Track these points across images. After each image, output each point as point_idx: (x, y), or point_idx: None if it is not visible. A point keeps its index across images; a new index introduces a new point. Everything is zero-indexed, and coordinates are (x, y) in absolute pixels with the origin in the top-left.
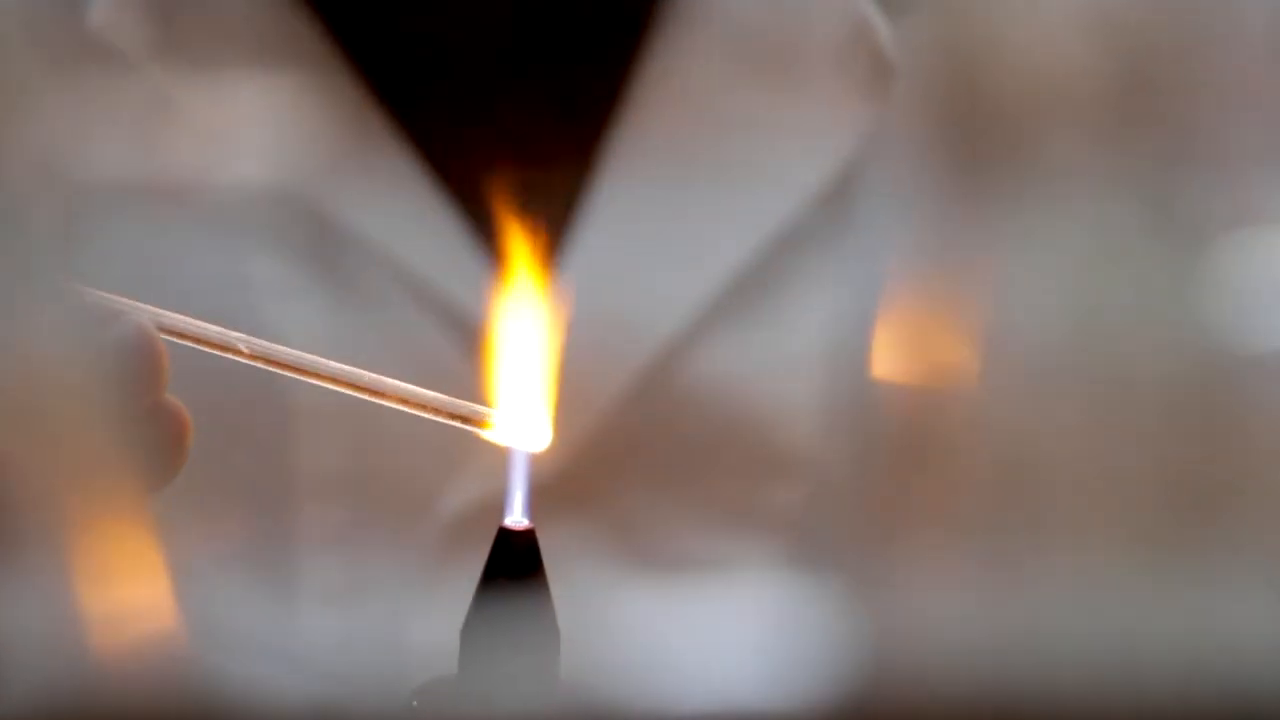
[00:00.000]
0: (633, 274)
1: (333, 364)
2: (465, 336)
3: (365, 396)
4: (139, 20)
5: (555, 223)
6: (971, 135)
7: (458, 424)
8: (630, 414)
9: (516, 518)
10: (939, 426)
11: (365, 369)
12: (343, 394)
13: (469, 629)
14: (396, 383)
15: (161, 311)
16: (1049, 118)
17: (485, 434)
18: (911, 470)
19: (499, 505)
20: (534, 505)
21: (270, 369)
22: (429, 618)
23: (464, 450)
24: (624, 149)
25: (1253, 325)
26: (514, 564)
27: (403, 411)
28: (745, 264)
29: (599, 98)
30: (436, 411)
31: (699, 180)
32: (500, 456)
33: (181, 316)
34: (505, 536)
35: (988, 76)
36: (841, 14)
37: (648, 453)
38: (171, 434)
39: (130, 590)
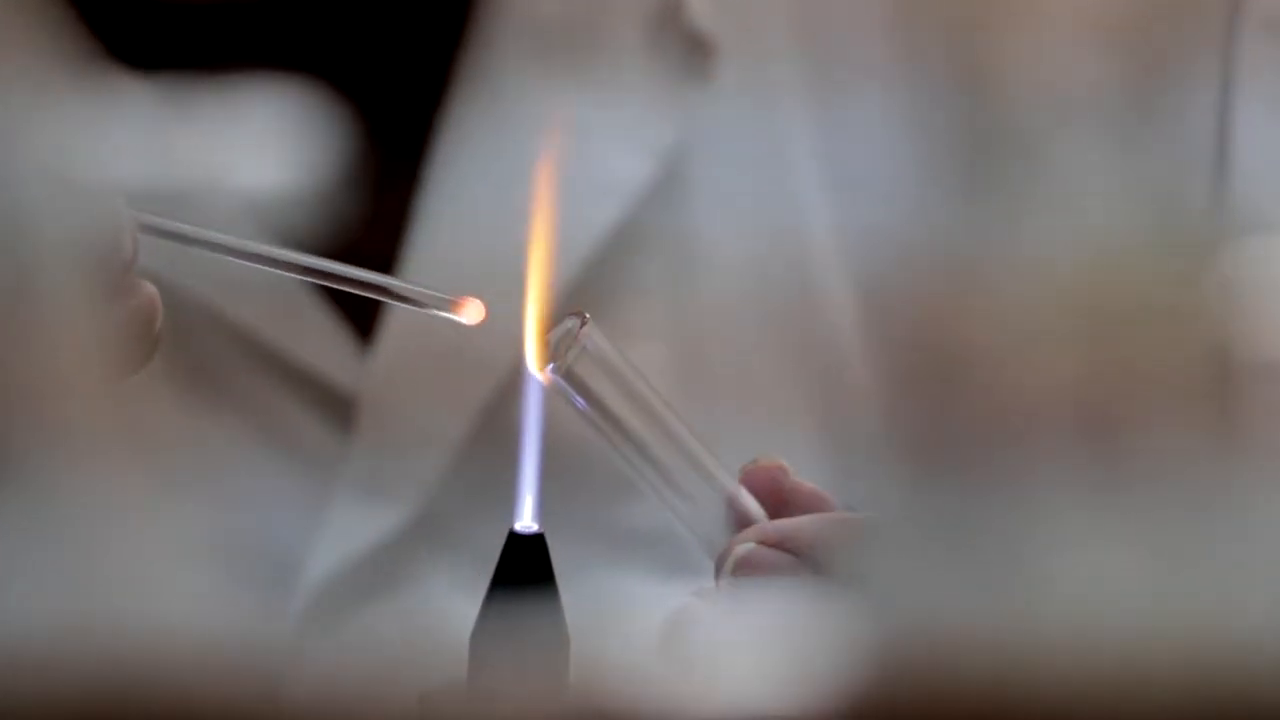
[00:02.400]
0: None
1: (299, 256)
2: (322, 405)
3: (332, 285)
4: None
5: (384, 247)
6: (978, 139)
7: (422, 308)
8: (478, 446)
9: (526, 523)
10: (942, 433)
11: (217, 444)
12: (204, 454)
13: (478, 635)
14: (366, 273)
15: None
16: (1054, 125)
17: (446, 315)
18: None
19: (361, 569)
20: (395, 552)
21: (242, 261)
22: (301, 685)
23: (323, 513)
24: (443, 170)
25: (1262, 332)
26: (523, 569)
27: (256, 466)
28: (578, 275)
29: (416, 117)
30: (408, 300)
31: (521, 193)
32: (358, 517)
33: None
34: (515, 541)
35: (993, 83)
36: None
37: (502, 484)
38: (141, 313)
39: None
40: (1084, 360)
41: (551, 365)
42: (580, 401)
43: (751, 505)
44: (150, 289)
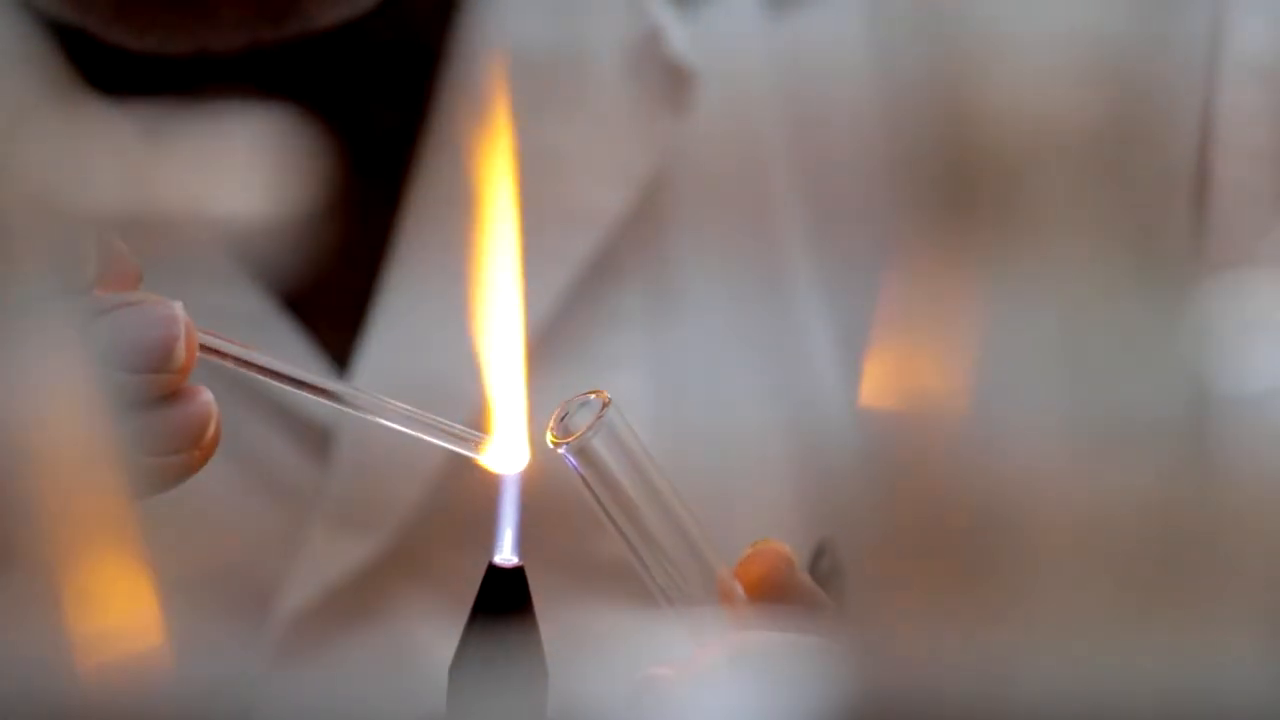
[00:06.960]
0: (441, 334)
1: (340, 385)
2: (298, 435)
3: (364, 416)
4: None
5: (362, 275)
6: (958, 177)
7: (455, 448)
8: (454, 477)
9: (505, 555)
10: (920, 469)
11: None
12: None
13: (457, 667)
14: (397, 404)
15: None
16: (1036, 160)
17: (478, 457)
18: (880, 514)
19: (338, 600)
20: (372, 582)
21: (275, 382)
22: (277, 716)
23: (299, 542)
24: (421, 198)
25: (1239, 367)
26: (502, 601)
27: (233, 495)
28: (555, 305)
29: (395, 145)
30: (437, 433)
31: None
32: (334, 547)
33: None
34: (494, 574)
35: (975, 117)
36: (628, 22)
37: (479, 515)
38: (195, 419)
39: (116, 608)
40: (1062, 396)
41: (567, 443)
42: (587, 477)
43: (743, 599)
44: (206, 396)
